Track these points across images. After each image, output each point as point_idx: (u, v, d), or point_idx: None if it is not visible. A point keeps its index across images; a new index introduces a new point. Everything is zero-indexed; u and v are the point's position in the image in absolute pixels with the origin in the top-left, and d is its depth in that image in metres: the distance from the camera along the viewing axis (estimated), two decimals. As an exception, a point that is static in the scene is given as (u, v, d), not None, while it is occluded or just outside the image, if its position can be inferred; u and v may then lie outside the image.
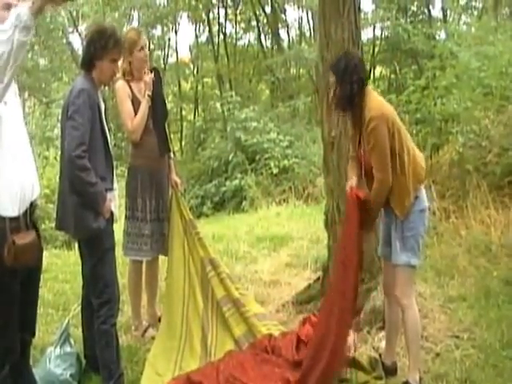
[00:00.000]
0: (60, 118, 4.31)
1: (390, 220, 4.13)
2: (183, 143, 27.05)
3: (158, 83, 5.16)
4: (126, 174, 5.28)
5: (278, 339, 4.72)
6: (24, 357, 3.75)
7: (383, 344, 4.57)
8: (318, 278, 5.55)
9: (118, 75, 4.82)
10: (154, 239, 5.14)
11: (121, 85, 5.06)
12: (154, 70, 5.27)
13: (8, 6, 3.29)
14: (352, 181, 4.16)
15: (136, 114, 5.01)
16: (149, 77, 5.06)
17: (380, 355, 4.48)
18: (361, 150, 4.11)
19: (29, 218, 3.51)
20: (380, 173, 3.93)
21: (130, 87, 5.08)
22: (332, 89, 4.05)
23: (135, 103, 5.04)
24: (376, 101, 4.02)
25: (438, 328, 5.05)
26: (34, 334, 3.85)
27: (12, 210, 3.35)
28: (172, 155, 5.48)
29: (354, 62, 4.03)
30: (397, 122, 4.01)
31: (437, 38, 17.89)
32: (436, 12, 23.50)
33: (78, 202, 3.99)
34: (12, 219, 3.35)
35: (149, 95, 5.01)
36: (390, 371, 4.32)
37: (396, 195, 4.00)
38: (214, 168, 16.34)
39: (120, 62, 4.96)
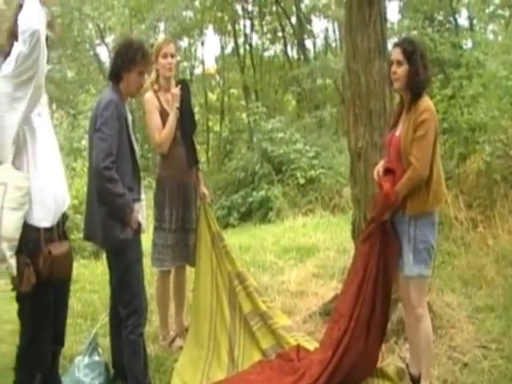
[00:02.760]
0: (88, 129, 4.36)
1: (403, 232, 4.14)
2: (210, 154, 27.11)
3: (186, 95, 5.18)
4: (153, 185, 5.31)
5: (311, 352, 4.70)
6: (53, 366, 3.82)
7: (410, 354, 4.57)
8: (345, 289, 5.53)
9: (146, 85, 4.86)
10: (178, 248, 5.16)
11: (149, 97, 5.10)
12: (183, 81, 5.32)
13: None
14: (379, 164, 4.31)
15: (164, 125, 5.05)
16: (176, 89, 5.09)
17: (407, 365, 4.46)
18: (393, 134, 4.19)
19: (61, 228, 3.57)
20: (419, 162, 3.94)
21: (158, 98, 5.11)
22: (394, 67, 4.09)
23: (163, 115, 5.07)
24: (430, 101, 4.10)
25: (466, 338, 5.02)
26: (63, 344, 3.91)
27: (46, 220, 3.42)
28: (200, 167, 5.50)
29: (422, 50, 4.15)
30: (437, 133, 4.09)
31: (463, 47, 17.73)
32: (462, 21, 23.25)
33: (106, 213, 4.02)
34: (46, 230, 3.42)
35: (177, 107, 5.05)
36: (417, 381, 4.29)
37: (416, 192, 4.03)
38: (240, 179, 16.35)
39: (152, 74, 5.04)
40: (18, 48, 3.18)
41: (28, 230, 3.36)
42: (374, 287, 4.22)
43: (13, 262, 3.33)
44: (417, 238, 4.05)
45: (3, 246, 3.29)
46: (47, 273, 3.36)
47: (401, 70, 4.06)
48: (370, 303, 4.22)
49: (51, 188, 3.46)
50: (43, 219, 3.41)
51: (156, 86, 5.16)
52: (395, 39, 24.51)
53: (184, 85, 5.25)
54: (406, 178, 3.99)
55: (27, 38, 3.14)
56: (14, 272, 3.35)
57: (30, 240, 3.37)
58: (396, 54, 4.10)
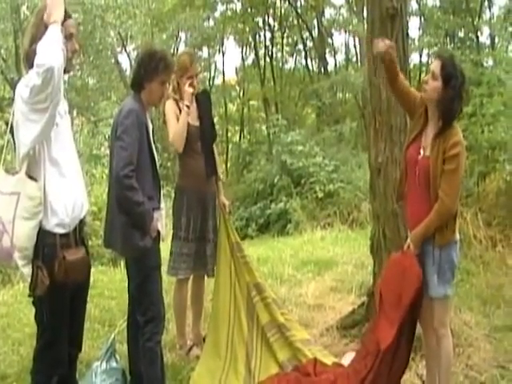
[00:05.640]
0: (109, 137, 4.38)
1: (426, 252, 4.00)
2: (229, 165, 27.20)
3: (206, 105, 5.24)
4: (172, 194, 5.34)
5: (328, 367, 4.68)
6: (71, 370, 3.85)
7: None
8: (363, 304, 5.51)
9: (168, 92, 4.88)
10: (195, 258, 5.17)
11: (169, 104, 5.12)
12: (204, 91, 5.38)
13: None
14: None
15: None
16: (188, 88, 5.06)
17: (423, 382, 4.43)
18: (417, 151, 4.00)
19: (78, 234, 3.60)
20: (448, 197, 3.81)
21: (178, 107, 5.13)
22: (428, 77, 3.93)
23: None
24: (460, 131, 3.94)
25: (483, 357, 4.99)
26: (80, 349, 3.94)
27: (62, 227, 3.46)
28: (221, 177, 5.51)
29: (464, 78, 3.91)
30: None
31: (484, 64, 17.71)
32: (484, 39, 23.28)
33: (126, 221, 4.02)
34: (62, 235, 3.45)
35: (187, 106, 5.00)
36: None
37: (443, 225, 3.91)
38: (259, 190, 16.38)
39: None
40: (33, 79, 3.17)
41: (44, 235, 3.40)
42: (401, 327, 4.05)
43: (26, 270, 3.38)
44: (442, 257, 3.94)
45: (15, 256, 3.34)
46: (62, 278, 3.39)
47: (432, 84, 3.87)
48: (396, 342, 4.05)
49: (69, 195, 3.49)
50: (59, 225, 3.44)
51: (177, 96, 5.19)
52: (416, 55, 24.61)
53: (205, 95, 5.32)
54: (435, 213, 3.85)
55: (41, 73, 3.12)
56: (28, 280, 3.40)
57: (46, 245, 3.41)
58: (434, 66, 3.91)
